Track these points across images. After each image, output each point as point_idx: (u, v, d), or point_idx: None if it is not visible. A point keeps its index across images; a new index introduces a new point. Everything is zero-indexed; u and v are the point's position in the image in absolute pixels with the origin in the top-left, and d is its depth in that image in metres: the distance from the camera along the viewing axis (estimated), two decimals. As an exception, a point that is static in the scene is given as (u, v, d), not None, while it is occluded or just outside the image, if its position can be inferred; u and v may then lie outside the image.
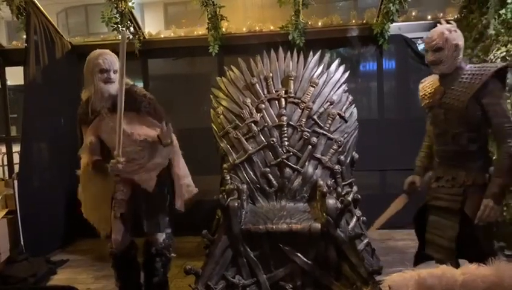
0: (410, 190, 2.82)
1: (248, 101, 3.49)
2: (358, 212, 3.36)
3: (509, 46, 3.49)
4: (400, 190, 2.91)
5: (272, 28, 4.83)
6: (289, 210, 3.00)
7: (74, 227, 4.68)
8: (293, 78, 3.53)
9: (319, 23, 4.80)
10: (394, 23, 4.44)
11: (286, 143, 3.32)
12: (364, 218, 3.44)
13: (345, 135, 3.41)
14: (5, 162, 5.21)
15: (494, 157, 2.60)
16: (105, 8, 4.36)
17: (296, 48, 4.02)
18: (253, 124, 3.39)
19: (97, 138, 2.76)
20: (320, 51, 3.71)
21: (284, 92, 3.49)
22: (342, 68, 3.65)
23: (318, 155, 3.29)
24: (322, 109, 3.43)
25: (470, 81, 2.38)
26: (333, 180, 3.25)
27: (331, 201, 2.64)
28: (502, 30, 3.58)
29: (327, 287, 2.63)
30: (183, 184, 2.97)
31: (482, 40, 3.88)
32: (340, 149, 3.34)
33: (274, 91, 3.52)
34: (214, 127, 3.56)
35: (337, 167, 3.29)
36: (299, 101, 3.44)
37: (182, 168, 2.98)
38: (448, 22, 2.52)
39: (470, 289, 1.63)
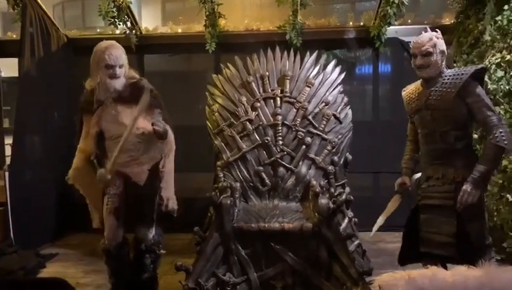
0: (402, 190, 2.89)
1: (243, 99, 3.48)
2: (350, 213, 3.37)
3: (504, 52, 3.51)
4: (392, 192, 2.94)
5: (269, 27, 4.83)
6: (281, 209, 3.00)
7: (64, 221, 4.66)
8: (289, 78, 3.53)
9: (317, 24, 4.81)
10: (391, 27, 4.46)
11: (280, 142, 3.32)
12: (356, 219, 3.45)
13: (339, 136, 3.41)
14: (-3, 154, 5.17)
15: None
16: (102, 2, 4.33)
17: (293, 48, 4.02)
18: (248, 123, 3.39)
19: (99, 129, 2.75)
20: (317, 52, 3.72)
21: (279, 91, 3.49)
22: (338, 69, 3.65)
23: (312, 155, 3.29)
24: (317, 110, 3.43)
25: (451, 81, 2.55)
26: (326, 180, 3.26)
27: (323, 201, 2.65)
28: (498, 36, 3.60)
29: (317, 287, 2.63)
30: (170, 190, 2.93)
31: (477, 45, 3.90)
32: (334, 150, 3.35)
33: (270, 90, 3.51)
34: (209, 124, 3.55)
35: (330, 167, 3.29)
36: (295, 100, 3.44)
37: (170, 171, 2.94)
38: (433, 29, 2.67)
39: (460, 290, 1.64)
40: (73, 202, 4.13)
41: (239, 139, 3.35)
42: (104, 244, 2.84)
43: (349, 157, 3.54)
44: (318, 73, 3.59)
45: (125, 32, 4.72)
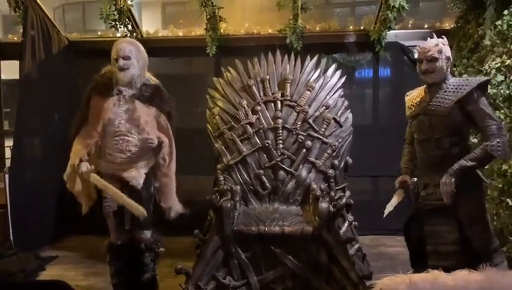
0: (403, 187, 2.87)
1: (244, 102, 3.49)
2: (350, 217, 3.37)
3: (504, 57, 3.51)
4: (393, 195, 2.93)
5: (270, 31, 4.84)
6: (282, 213, 3.01)
7: (64, 223, 4.65)
8: (289, 82, 3.54)
9: (317, 28, 4.82)
10: (391, 31, 4.47)
11: (281, 146, 3.33)
12: (356, 223, 3.45)
13: (340, 140, 3.42)
14: (-3, 156, 5.16)
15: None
16: (103, 5, 4.34)
17: (294, 52, 4.02)
18: (248, 126, 3.39)
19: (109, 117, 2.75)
20: (317, 56, 3.73)
21: (280, 94, 3.50)
22: (338, 73, 3.66)
23: (312, 159, 3.30)
24: (317, 113, 3.44)
25: (454, 90, 2.56)
26: (326, 184, 3.26)
27: (323, 205, 2.65)
28: (498, 41, 3.61)
29: (317, 291, 2.63)
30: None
31: (477, 50, 3.91)
32: (334, 153, 3.36)
33: (270, 93, 3.52)
34: (209, 127, 3.56)
35: (330, 171, 3.29)
36: (295, 104, 3.45)
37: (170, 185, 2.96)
38: (440, 36, 2.67)
39: (461, 294, 1.65)
40: (73, 204, 4.12)
41: (239, 143, 3.36)
42: (109, 240, 2.87)
43: (350, 161, 3.54)
44: (318, 77, 3.60)
45: (126, 35, 4.73)
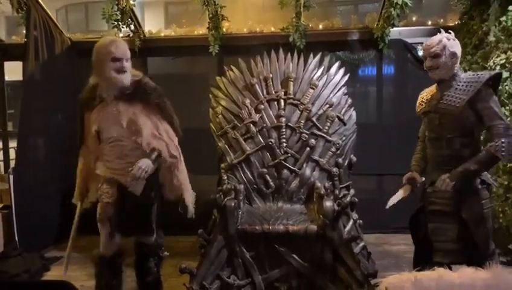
0: (410, 183, 2.85)
1: (247, 101, 3.48)
2: (355, 215, 3.35)
3: (509, 53, 3.49)
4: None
5: (272, 29, 4.83)
6: (286, 211, 2.99)
7: (69, 224, 4.64)
8: (292, 80, 3.52)
9: (320, 26, 4.80)
10: (394, 28, 4.45)
11: (284, 144, 3.32)
12: (361, 221, 3.43)
13: (344, 138, 3.40)
14: (1, 157, 5.18)
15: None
16: (106, 5, 4.34)
17: (297, 50, 4.01)
18: (251, 125, 3.39)
19: (97, 127, 2.67)
20: (320, 54, 3.71)
21: (283, 93, 3.49)
22: (341, 71, 3.65)
23: (316, 157, 3.29)
24: (321, 111, 3.43)
25: (465, 88, 2.51)
26: (331, 182, 3.24)
27: (328, 203, 2.64)
28: (502, 37, 3.59)
29: (322, 290, 2.62)
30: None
31: (482, 46, 3.89)
32: (338, 152, 3.34)
33: (273, 92, 3.51)
34: (213, 126, 3.55)
35: (334, 169, 3.28)
36: (298, 102, 3.44)
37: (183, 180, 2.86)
38: (447, 31, 2.63)
39: (467, 292, 1.63)
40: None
41: (243, 141, 3.35)
42: (98, 252, 2.77)
43: (354, 159, 3.52)
44: (322, 75, 3.58)
45: (128, 35, 4.73)
